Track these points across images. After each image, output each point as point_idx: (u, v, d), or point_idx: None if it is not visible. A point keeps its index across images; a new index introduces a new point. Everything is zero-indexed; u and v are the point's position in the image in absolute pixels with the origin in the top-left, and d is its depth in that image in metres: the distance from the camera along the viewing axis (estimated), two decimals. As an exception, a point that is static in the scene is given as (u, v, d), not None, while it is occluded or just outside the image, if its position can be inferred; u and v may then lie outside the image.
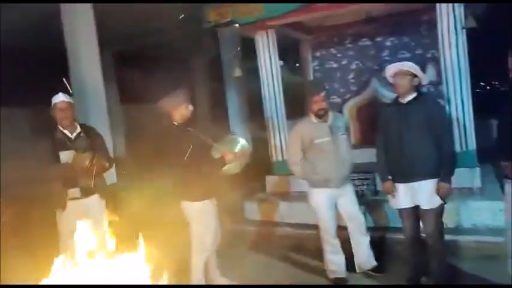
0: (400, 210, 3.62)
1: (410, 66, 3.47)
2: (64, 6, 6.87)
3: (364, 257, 3.95)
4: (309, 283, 4.06)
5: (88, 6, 6.98)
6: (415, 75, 3.44)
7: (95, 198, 3.80)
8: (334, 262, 3.94)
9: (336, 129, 3.83)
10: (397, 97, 3.57)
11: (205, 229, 3.71)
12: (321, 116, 3.79)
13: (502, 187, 3.37)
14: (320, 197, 3.89)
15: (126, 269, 2.00)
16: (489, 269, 3.78)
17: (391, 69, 3.55)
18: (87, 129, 3.93)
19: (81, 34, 6.86)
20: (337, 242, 3.92)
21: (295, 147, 3.92)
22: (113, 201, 3.93)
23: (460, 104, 4.92)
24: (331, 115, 3.87)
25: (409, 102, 3.47)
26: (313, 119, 3.85)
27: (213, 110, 12.95)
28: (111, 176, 5.48)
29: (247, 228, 5.63)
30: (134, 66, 11.74)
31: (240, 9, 5.71)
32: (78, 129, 3.83)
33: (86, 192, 3.74)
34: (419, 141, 3.39)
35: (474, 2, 5.10)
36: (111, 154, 4.38)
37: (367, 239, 3.96)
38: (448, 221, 3.72)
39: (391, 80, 3.58)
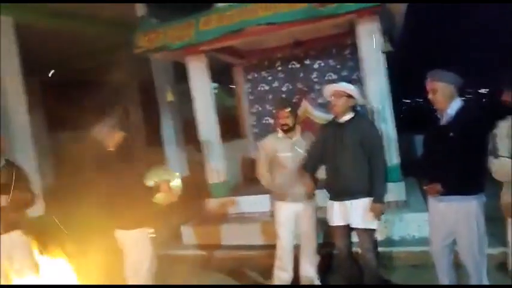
0: (333, 227, 3.69)
1: (345, 87, 3.55)
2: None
3: (309, 275, 4.02)
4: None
5: (10, 30, 6.71)
6: (351, 96, 3.55)
7: (16, 234, 3.66)
8: (281, 278, 3.99)
9: (300, 147, 3.91)
10: (335, 117, 3.66)
11: (140, 257, 3.63)
12: (285, 131, 3.91)
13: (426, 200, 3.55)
14: (280, 210, 4.00)
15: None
16: (418, 277, 4.01)
17: (327, 90, 3.64)
18: (11, 165, 3.81)
19: (2, 61, 6.56)
20: (288, 260, 3.97)
21: (262, 160, 4.08)
22: (40, 235, 3.76)
23: (383, 121, 5.20)
24: (298, 133, 3.98)
25: (345, 123, 3.56)
26: (279, 133, 3.99)
27: (147, 135, 12.73)
28: (37, 208, 5.22)
29: (186, 253, 5.54)
30: (63, 93, 11.33)
31: (170, 34, 5.73)
32: (3, 162, 3.71)
33: (6, 228, 3.59)
34: (354, 161, 3.48)
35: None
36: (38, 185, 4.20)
37: (315, 259, 4.03)
38: (377, 234, 3.87)
39: (328, 99, 3.65)
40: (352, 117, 3.57)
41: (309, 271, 4.02)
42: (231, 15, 5.44)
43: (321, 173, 3.87)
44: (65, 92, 11.30)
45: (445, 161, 3.05)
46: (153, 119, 10.55)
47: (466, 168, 2.97)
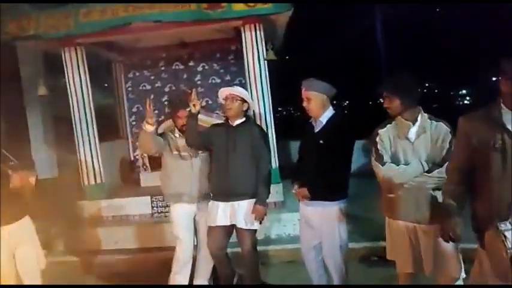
0: (213, 228, 3.66)
1: (241, 91, 3.64)
2: None
3: (204, 276, 4.00)
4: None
5: None
6: (245, 101, 3.64)
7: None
8: (178, 282, 3.89)
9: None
10: (227, 119, 3.72)
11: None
12: (184, 131, 3.80)
13: None
14: (176, 212, 3.92)
15: None
16: (293, 273, 4.26)
17: (223, 93, 3.67)
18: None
19: None
20: (187, 263, 3.89)
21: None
22: None
23: (264, 126, 5.44)
24: None
25: (237, 126, 3.64)
26: (176, 133, 3.91)
27: (10, 131, 11.46)
28: None
29: (64, 259, 5.11)
30: None
31: (45, 23, 5.28)
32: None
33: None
34: (243, 164, 3.56)
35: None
36: None
37: (211, 264, 3.95)
38: (257, 233, 4.01)
39: (222, 101, 3.69)
40: (244, 121, 3.68)
41: (204, 273, 3.98)
42: (115, 9, 5.23)
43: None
44: None
45: (314, 168, 3.25)
46: (18, 114, 9.56)
47: (332, 175, 3.19)
